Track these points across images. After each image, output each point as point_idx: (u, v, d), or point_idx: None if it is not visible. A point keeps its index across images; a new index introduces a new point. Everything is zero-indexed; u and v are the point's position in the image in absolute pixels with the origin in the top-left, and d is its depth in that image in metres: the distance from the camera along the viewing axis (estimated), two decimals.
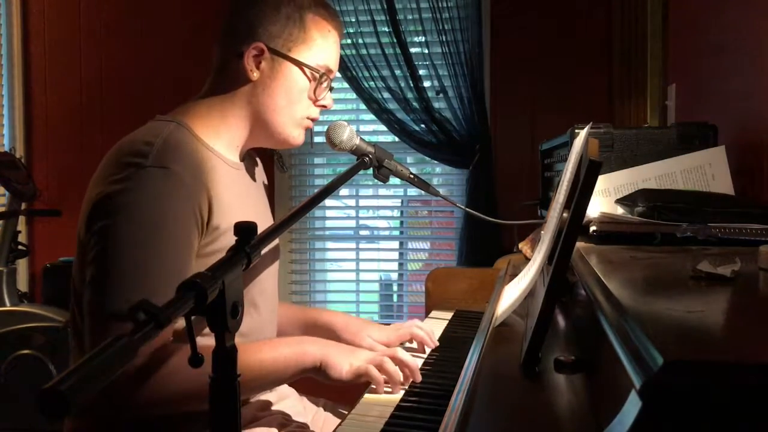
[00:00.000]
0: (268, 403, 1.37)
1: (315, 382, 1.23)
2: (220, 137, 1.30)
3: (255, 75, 1.29)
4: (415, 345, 1.53)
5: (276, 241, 1.31)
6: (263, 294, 1.34)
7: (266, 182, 1.52)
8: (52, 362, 2.94)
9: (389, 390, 1.24)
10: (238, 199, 1.29)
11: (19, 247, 3.30)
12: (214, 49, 1.34)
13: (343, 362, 1.21)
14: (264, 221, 1.38)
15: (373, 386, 1.24)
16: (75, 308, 1.24)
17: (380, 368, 1.22)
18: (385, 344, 1.49)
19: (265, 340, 1.24)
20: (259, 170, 1.48)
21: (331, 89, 1.37)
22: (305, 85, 1.32)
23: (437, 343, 1.51)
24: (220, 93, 1.31)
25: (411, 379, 1.26)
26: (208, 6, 3.32)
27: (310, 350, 1.20)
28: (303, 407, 1.47)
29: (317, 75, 1.32)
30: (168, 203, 1.14)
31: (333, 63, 1.36)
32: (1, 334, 2.99)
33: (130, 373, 1.05)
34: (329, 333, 1.51)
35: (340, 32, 1.38)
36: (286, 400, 1.43)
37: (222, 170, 1.27)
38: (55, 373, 2.92)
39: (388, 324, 1.58)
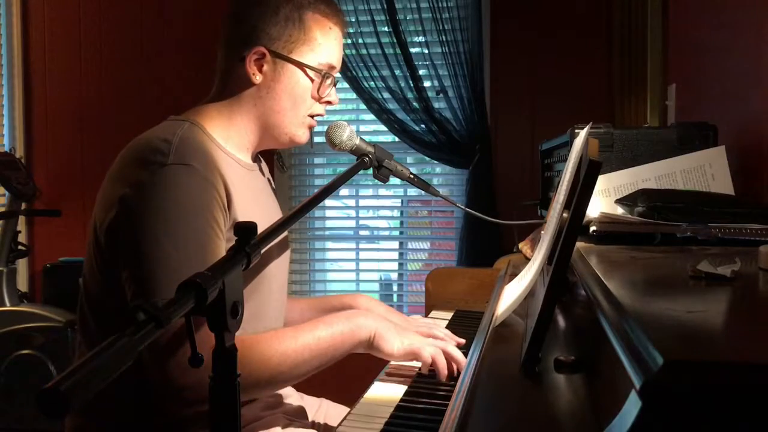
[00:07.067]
0: (271, 403, 1.37)
1: (316, 381, 1.24)
2: (231, 139, 1.31)
3: (258, 78, 1.29)
4: None
5: (285, 234, 1.31)
6: (272, 294, 1.35)
7: (273, 183, 1.52)
8: (52, 362, 2.94)
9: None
10: (252, 199, 1.30)
11: (19, 247, 3.30)
12: (218, 53, 1.34)
13: (394, 339, 1.24)
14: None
15: (377, 386, 1.26)
16: (84, 305, 1.25)
17: (434, 358, 1.26)
18: None
19: (318, 318, 1.24)
20: (266, 171, 1.49)
21: (334, 84, 1.37)
22: (308, 86, 1.32)
23: (462, 341, 1.47)
24: (227, 97, 1.32)
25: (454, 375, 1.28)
26: (208, 8, 3.33)
27: (364, 323, 1.24)
28: (304, 406, 1.47)
29: (320, 74, 1.32)
30: (195, 197, 1.14)
31: (336, 60, 1.36)
32: (1, 334, 2.99)
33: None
34: None
35: (343, 27, 1.37)
36: (287, 399, 1.43)
37: (235, 170, 1.27)
38: (55, 373, 2.92)
39: None
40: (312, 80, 1.32)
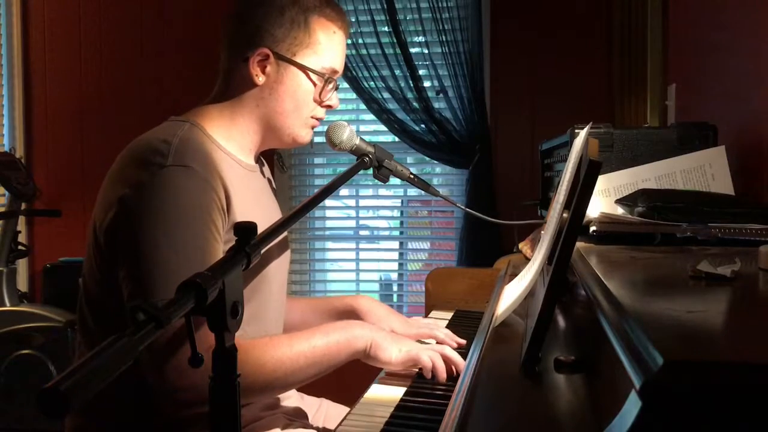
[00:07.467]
0: (271, 404, 1.37)
1: (316, 382, 1.24)
2: (232, 139, 1.31)
3: (261, 80, 1.29)
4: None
5: (285, 235, 1.30)
6: (272, 294, 1.35)
7: (273, 184, 1.52)
8: (52, 362, 2.94)
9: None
10: (253, 200, 1.30)
11: (19, 247, 3.30)
12: (221, 53, 1.34)
13: (391, 347, 1.25)
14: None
15: (377, 386, 1.27)
16: (84, 305, 1.25)
17: (432, 361, 1.27)
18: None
19: (315, 327, 1.25)
20: (267, 171, 1.49)
21: (336, 88, 1.37)
22: (311, 89, 1.32)
23: (463, 342, 1.48)
24: (229, 97, 1.32)
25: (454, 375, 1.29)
26: (208, 8, 3.33)
27: (360, 333, 1.24)
28: (304, 407, 1.47)
29: (323, 78, 1.32)
30: (194, 199, 1.14)
31: (339, 64, 1.36)
32: (1, 334, 2.99)
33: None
34: (353, 317, 1.51)
35: (347, 30, 1.37)
36: (287, 400, 1.43)
37: (236, 171, 1.27)
38: (55, 373, 2.92)
39: None
40: (314, 84, 1.32)
